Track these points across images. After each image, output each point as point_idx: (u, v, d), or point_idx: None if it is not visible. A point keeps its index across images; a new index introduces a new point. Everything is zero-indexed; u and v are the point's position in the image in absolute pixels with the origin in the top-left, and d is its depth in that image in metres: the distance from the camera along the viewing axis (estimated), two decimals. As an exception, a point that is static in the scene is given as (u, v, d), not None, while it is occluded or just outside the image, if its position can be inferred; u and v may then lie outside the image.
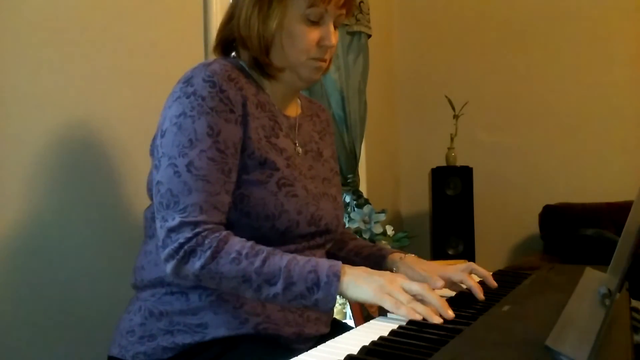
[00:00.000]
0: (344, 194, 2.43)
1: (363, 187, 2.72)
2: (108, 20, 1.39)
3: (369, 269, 0.93)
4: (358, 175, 2.52)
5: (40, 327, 1.21)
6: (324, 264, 0.90)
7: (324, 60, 1.05)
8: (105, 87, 1.37)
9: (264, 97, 1.05)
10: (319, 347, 0.74)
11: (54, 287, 1.24)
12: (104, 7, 1.38)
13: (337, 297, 0.90)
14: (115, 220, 1.38)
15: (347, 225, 2.22)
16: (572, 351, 0.57)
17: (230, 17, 1.06)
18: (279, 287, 0.88)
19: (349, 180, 2.39)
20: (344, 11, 1.04)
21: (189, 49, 1.64)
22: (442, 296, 0.88)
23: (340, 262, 0.91)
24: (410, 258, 1.17)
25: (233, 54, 1.11)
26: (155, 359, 0.98)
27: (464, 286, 1.04)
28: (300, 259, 0.91)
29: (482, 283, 1.06)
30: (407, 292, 0.87)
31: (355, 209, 2.31)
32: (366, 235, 2.16)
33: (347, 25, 2.48)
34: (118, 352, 1.01)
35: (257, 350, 0.96)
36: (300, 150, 1.10)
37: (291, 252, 1.02)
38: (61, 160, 1.27)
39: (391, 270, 1.13)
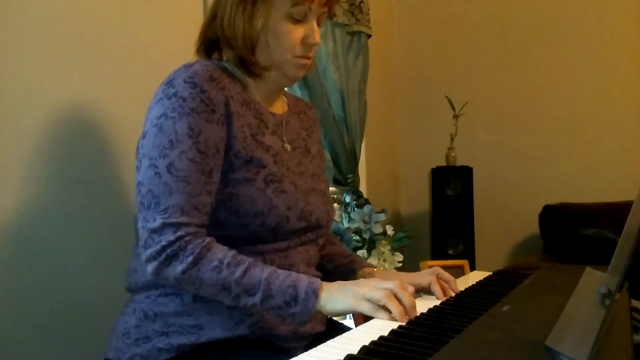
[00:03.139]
0: (344, 194, 2.42)
1: (363, 187, 2.72)
2: (108, 20, 1.38)
3: (343, 282, 0.95)
4: (358, 175, 2.52)
5: (36, 331, 1.21)
6: (304, 280, 0.91)
7: (308, 58, 1.06)
8: (104, 87, 1.37)
9: (248, 96, 1.05)
10: (318, 347, 0.74)
11: (49, 290, 1.23)
12: (104, 6, 1.38)
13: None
14: (111, 222, 1.37)
15: (347, 225, 2.22)
16: (572, 351, 0.57)
17: (213, 17, 1.06)
18: (257, 298, 0.90)
19: (349, 180, 2.39)
20: (326, 9, 1.05)
21: (189, 49, 1.63)
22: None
23: (319, 280, 0.93)
24: (380, 271, 1.20)
25: (215, 55, 1.11)
26: (152, 360, 0.97)
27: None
28: (281, 272, 0.92)
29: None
30: (381, 289, 0.89)
31: (355, 209, 2.30)
32: (366, 235, 2.16)
33: (347, 25, 2.48)
34: (114, 355, 1.01)
35: (254, 354, 0.96)
36: (288, 147, 1.10)
37: (283, 249, 1.03)
38: (57, 159, 1.26)
39: None
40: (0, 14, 1.15)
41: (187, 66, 0.98)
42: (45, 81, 1.23)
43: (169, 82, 0.97)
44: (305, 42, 1.03)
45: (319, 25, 1.06)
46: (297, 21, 1.02)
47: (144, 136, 0.96)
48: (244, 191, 0.97)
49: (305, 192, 1.06)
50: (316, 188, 1.11)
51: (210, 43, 1.09)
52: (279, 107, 1.15)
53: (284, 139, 1.11)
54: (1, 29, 1.15)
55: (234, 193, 0.97)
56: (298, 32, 1.02)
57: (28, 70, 1.20)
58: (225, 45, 1.06)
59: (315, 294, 0.90)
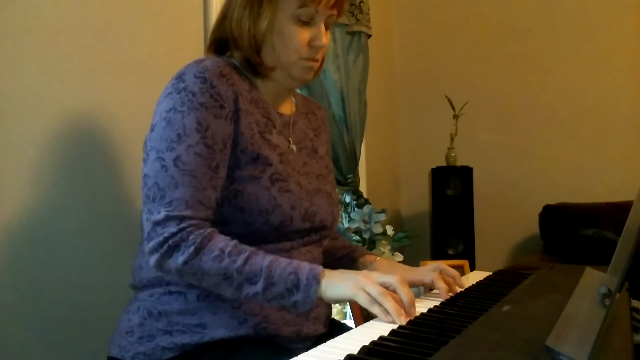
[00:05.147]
0: (344, 194, 2.42)
1: (363, 187, 2.71)
2: (108, 19, 1.39)
3: (345, 270, 0.95)
4: (358, 175, 2.52)
5: (40, 328, 1.21)
6: (305, 267, 0.91)
7: (316, 60, 1.06)
8: (105, 86, 1.37)
9: (257, 95, 1.06)
10: (319, 347, 0.74)
11: (53, 287, 1.24)
12: (104, 6, 1.38)
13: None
14: (115, 219, 1.38)
15: (347, 225, 2.22)
16: (572, 351, 0.57)
17: (223, 18, 1.07)
18: (259, 287, 0.89)
19: (349, 180, 2.39)
20: (335, 12, 1.05)
21: (189, 48, 1.64)
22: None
23: (321, 266, 0.92)
24: (382, 262, 1.19)
25: (227, 54, 1.11)
26: (154, 359, 0.98)
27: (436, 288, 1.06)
28: (282, 260, 0.92)
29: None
30: (381, 285, 0.89)
31: (355, 209, 2.30)
32: (366, 235, 2.16)
33: (347, 25, 2.48)
34: (117, 353, 1.01)
35: (257, 353, 0.96)
36: (294, 147, 1.10)
37: (287, 249, 1.03)
38: (61, 158, 1.27)
39: None
40: (3, 19, 1.15)
41: (198, 62, 0.98)
42: (49, 85, 1.23)
43: (179, 77, 0.97)
44: (311, 45, 1.03)
45: (327, 27, 1.06)
46: (303, 23, 1.02)
47: (152, 129, 0.97)
48: (249, 189, 0.97)
49: (310, 192, 1.06)
50: (321, 189, 1.11)
51: (220, 43, 1.10)
52: (287, 107, 1.15)
53: (290, 139, 1.11)
54: (3, 33, 1.15)
55: (239, 190, 0.97)
56: (304, 34, 1.02)
57: (31, 74, 1.20)
58: (232, 46, 1.06)
59: (316, 279, 0.89)
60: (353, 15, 2.50)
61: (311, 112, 1.23)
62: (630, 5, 3.04)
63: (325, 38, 1.04)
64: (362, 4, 2.54)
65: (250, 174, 0.98)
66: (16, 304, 1.17)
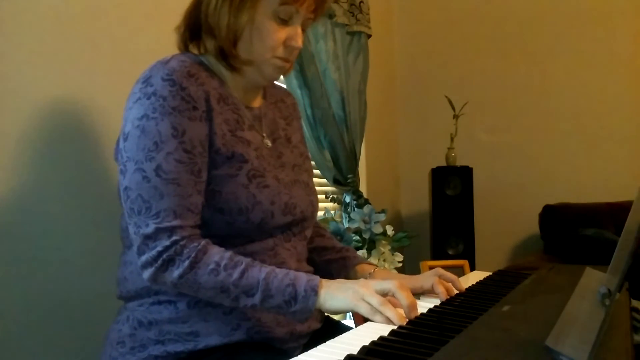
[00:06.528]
0: (344, 194, 2.42)
1: (363, 187, 2.71)
2: (107, 18, 1.38)
3: (343, 280, 0.94)
4: (358, 175, 2.52)
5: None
6: (302, 278, 0.91)
7: (288, 61, 1.04)
8: (102, 84, 1.35)
9: (225, 91, 1.03)
10: (319, 347, 0.74)
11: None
12: (104, 5, 1.37)
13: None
14: (107, 224, 1.34)
15: (347, 225, 2.22)
16: (572, 351, 0.57)
17: (197, 4, 1.04)
18: (256, 299, 0.89)
19: (349, 180, 2.38)
20: (313, 16, 1.04)
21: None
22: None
23: (318, 277, 0.92)
24: (380, 272, 1.18)
25: (192, 45, 1.09)
26: (147, 369, 0.97)
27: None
28: (279, 271, 0.91)
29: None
30: (380, 292, 0.89)
31: (355, 209, 2.30)
32: (366, 235, 2.15)
33: (347, 25, 2.48)
34: None
35: (252, 357, 0.95)
36: (268, 142, 1.09)
37: (271, 247, 1.02)
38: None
39: None
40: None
41: (163, 63, 0.95)
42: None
43: (146, 81, 0.94)
44: (287, 44, 1.01)
45: (303, 30, 1.04)
46: (282, 21, 1.00)
47: (125, 138, 0.93)
48: (227, 188, 0.96)
49: (287, 185, 1.05)
50: (298, 179, 1.10)
51: (192, 29, 1.06)
52: (257, 100, 1.13)
53: (264, 134, 1.09)
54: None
55: (217, 190, 0.95)
56: (281, 32, 1.00)
57: (26, 70, 1.18)
58: (207, 34, 1.03)
59: (314, 291, 0.89)
60: (353, 15, 2.50)
61: (280, 100, 1.20)
62: (630, 5, 3.04)
63: (300, 40, 1.03)
64: (362, 4, 2.54)
65: (227, 173, 0.96)
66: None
